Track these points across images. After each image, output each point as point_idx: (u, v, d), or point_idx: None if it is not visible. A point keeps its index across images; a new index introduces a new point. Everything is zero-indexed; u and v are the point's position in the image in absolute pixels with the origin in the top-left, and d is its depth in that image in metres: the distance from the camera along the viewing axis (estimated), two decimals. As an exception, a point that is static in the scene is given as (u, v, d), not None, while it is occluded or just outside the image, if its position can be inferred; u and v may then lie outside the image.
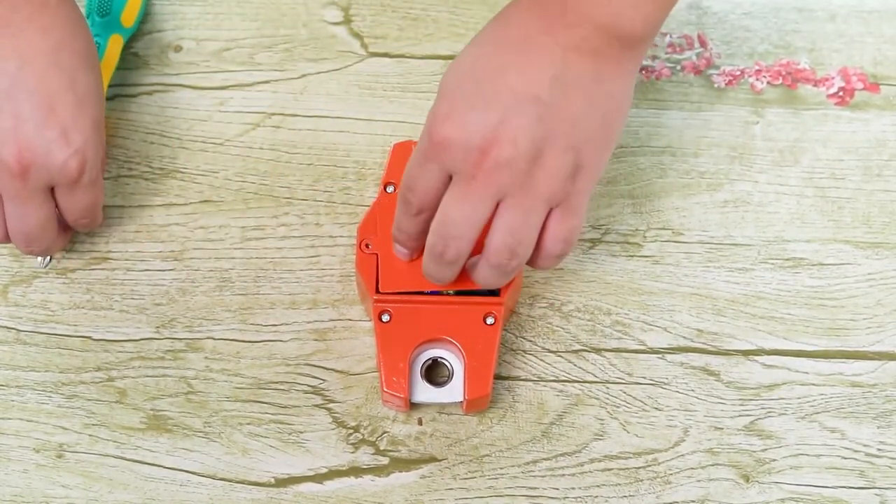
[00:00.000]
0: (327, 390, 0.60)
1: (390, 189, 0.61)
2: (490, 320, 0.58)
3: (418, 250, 0.56)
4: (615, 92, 0.53)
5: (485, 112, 0.50)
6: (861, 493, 0.58)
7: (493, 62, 0.51)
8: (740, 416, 0.60)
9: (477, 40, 0.53)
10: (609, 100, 0.52)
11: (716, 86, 0.68)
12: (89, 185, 0.57)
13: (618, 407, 0.60)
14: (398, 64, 0.68)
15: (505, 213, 0.51)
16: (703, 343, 0.61)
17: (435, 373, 0.59)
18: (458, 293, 0.58)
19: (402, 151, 0.62)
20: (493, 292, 0.58)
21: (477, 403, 0.58)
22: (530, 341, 0.61)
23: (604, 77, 0.52)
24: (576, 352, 0.61)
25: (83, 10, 0.62)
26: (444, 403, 0.59)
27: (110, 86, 0.67)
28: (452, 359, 0.58)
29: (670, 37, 0.69)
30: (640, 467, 0.58)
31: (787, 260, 0.63)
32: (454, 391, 0.58)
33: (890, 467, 0.59)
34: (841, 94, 0.68)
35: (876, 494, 0.58)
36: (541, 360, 0.61)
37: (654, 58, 0.68)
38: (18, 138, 0.54)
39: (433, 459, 0.59)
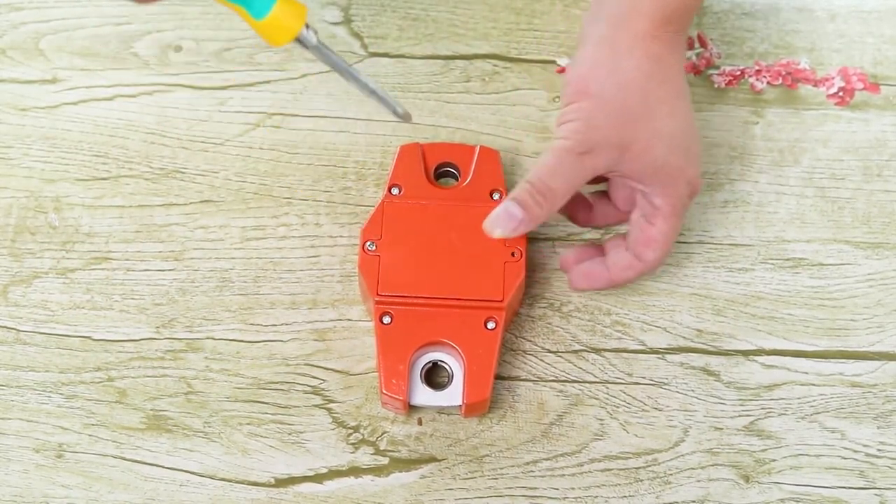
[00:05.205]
0: (327, 390, 0.60)
1: (395, 191, 0.61)
2: (491, 325, 0.58)
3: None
4: None
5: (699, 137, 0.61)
6: (861, 494, 0.58)
7: (689, 110, 0.59)
8: (740, 416, 0.60)
9: (663, 112, 0.57)
10: None
11: (716, 86, 0.68)
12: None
13: (618, 407, 0.60)
14: (398, 64, 0.68)
15: None
16: (703, 343, 0.61)
17: (435, 375, 0.59)
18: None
19: (407, 154, 0.62)
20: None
21: (476, 408, 0.58)
22: (530, 341, 0.61)
23: None
24: (576, 352, 0.61)
25: None
26: (443, 407, 0.59)
27: (110, 86, 0.67)
28: (452, 362, 0.58)
29: (670, 37, 0.69)
30: (640, 467, 0.58)
31: (787, 260, 0.63)
32: (453, 395, 0.58)
33: (890, 467, 0.59)
34: (841, 94, 0.68)
35: (876, 494, 0.58)
36: (541, 360, 0.61)
37: (654, 58, 0.68)
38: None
39: (433, 459, 0.59)
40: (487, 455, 0.59)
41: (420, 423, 0.59)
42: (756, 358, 0.61)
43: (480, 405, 0.58)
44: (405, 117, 0.54)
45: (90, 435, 0.59)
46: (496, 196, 0.61)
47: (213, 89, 0.67)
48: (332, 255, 0.63)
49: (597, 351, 0.61)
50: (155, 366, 0.60)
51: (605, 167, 0.57)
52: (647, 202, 0.58)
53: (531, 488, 0.58)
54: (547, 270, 0.63)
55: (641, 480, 0.58)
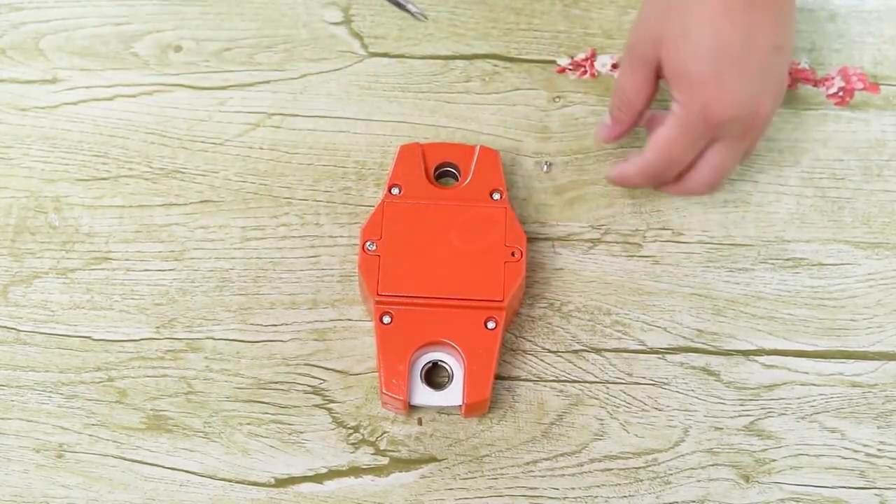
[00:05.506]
0: (327, 390, 0.60)
1: (395, 191, 0.61)
2: (491, 325, 0.58)
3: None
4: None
5: (751, 83, 0.56)
6: (861, 493, 0.58)
7: (736, 34, 0.56)
8: (740, 416, 0.60)
9: (701, 17, 0.56)
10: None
11: (716, 86, 0.68)
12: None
13: (618, 407, 0.60)
14: (398, 64, 0.68)
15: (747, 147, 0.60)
16: (703, 343, 0.61)
17: (435, 376, 0.59)
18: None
19: (407, 153, 0.62)
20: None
21: (476, 408, 0.58)
22: (530, 341, 0.61)
23: None
24: (576, 352, 0.61)
25: None
26: (443, 407, 0.59)
27: (110, 86, 0.67)
28: (453, 362, 0.58)
29: (670, 37, 0.69)
30: (640, 467, 0.58)
31: (787, 260, 0.63)
32: (453, 395, 0.58)
33: (890, 467, 0.59)
34: (841, 94, 0.68)
35: (876, 494, 0.58)
36: (541, 360, 0.61)
37: (654, 58, 0.68)
38: None
39: (433, 459, 0.59)
40: (487, 455, 0.59)
41: (420, 423, 0.59)
42: (756, 358, 0.61)
43: (480, 405, 0.58)
44: (419, 16, 0.55)
45: (90, 435, 0.59)
46: (496, 196, 0.61)
47: (213, 89, 0.67)
48: (332, 255, 0.63)
49: (597, 351, 0.61)
50: (155, 366, 0.60)
51: (651, 59, 0.58)
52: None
53: (531, 488, 0.58)
54: (547, 270, 0.63)
55: (641, 480, 0.58)
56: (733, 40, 0.56)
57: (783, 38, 0.57)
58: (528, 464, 0.58)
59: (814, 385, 0.60)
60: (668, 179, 0.61)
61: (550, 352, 0.61)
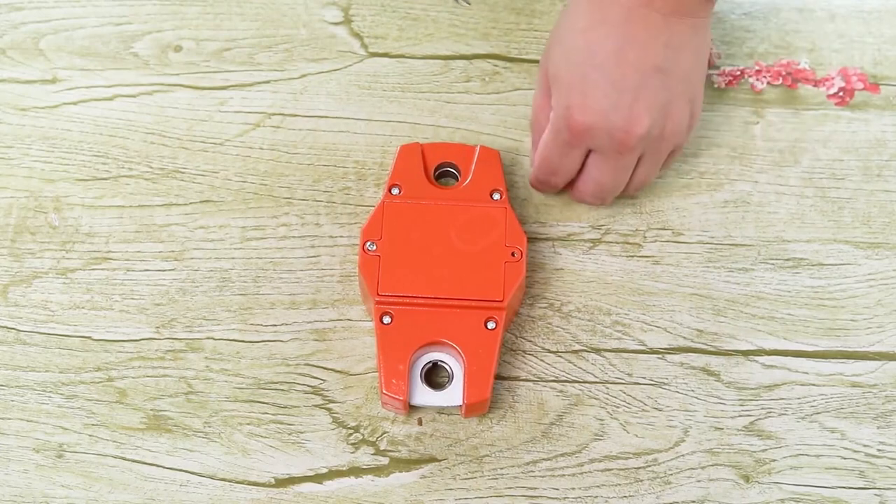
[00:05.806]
0: (327, 390, 0.60)
1: (395, 191, 0.61)
2: (491, 325, 0.58)
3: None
4: (706, 39, 0.59)
5: (618, 96, 0.56)
6: (861, 494, 0.58)
7: (607, 45, 0.56)
8: (740, 416, 0.60)
9: (577, 26, 0.57)
10: (704, 47, 0.59)
11: (716, 86, 0.68)
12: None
13: (618, 407, 0.60)
14: (398, 64, 0.68)
15: (640, 168, 0.60)
16: (703, 343, 0.61)
17: (435, 375, 0.59)
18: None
19: (408, 153, 0.62)
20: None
21: (476, 408, 0.58)
22: (530, 341, 0.61)
23: (698, 29, 0.58)
24: (576, 352, 0.61)
25: None
26: (443, 407, 0.59)
27: (110, 86, 0.67)
28: (453, 362, 0.58)
29: (670, 37, 0.69)
30: (640, 467, 0.58)
31: (787, 260, 0.63)
32: (453, 395, 0.58)
33: (890, 467, 0.59)
34: (841, 94, 0.68)
35: (876, 494, 0.58)
36: (541, 360, 0.61)
37: (654, 58, 0.68)
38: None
39: (433, 459, 0.59)
40: (487, 455, 0.59)
41: (420, 423, 0.59)
42: (756, 358, 0.61)
43: (480, 405, 0.58)
44: (463, 2, 0.58)
45: (90, 435, 0.59)
46: (496, 196, 0.61)
47: (213, 89, 0.67)
48: (332, 255, 0.63)
49: (597, 351, 0.61)
50: (155, 366, 0.60)
51: (544, 65, 0.60)
52: None
53: (531, 488, 0.58)
54: (547, 270, 0.63)
55: (641, 480, 0.58)
56: (605, 49, 0.56)
57: (668, 63, 0.56)
58: (528, 464, 0.59)
59: (814, 385, 0.60)
60: (556, 185, 0.62)
61: (550, 352, 0.61)
